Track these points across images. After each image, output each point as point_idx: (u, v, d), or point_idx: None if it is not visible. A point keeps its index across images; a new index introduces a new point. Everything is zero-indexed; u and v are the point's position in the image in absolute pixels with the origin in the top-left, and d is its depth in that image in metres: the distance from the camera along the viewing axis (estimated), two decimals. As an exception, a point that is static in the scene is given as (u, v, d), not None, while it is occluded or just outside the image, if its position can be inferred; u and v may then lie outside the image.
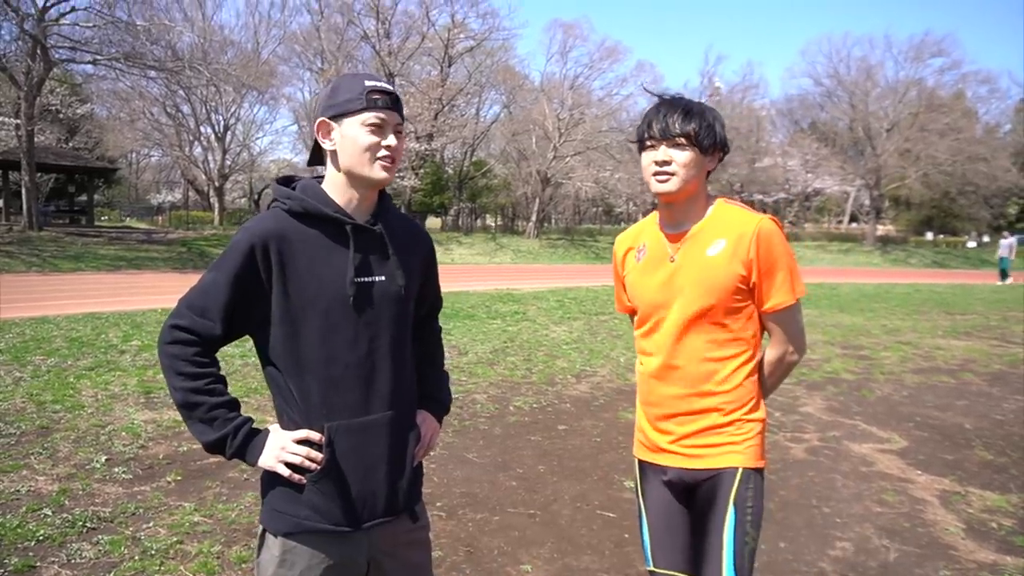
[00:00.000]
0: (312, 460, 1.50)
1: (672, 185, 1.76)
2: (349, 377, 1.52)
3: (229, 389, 1.54)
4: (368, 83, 1.52)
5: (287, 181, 1.60)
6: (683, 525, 1.88)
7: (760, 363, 1.88)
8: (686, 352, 1.81)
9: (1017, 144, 46.77)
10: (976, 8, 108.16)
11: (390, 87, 1.54)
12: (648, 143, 1.78)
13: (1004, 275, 24.19)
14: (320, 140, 1.55)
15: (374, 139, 1.51)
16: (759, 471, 1.83)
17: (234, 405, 1.52)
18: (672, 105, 1.78)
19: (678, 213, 1.84)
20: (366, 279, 1.54)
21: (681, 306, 1.80)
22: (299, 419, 1.52)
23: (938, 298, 17.64)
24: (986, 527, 3.76)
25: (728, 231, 1.78)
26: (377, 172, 1.53)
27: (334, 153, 1.54)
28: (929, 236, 51.06)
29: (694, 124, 1.74)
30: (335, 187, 1.56)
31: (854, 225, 52.07)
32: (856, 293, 18.04)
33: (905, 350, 9.42)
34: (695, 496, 1.86)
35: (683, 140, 1.74)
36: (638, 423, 1.98)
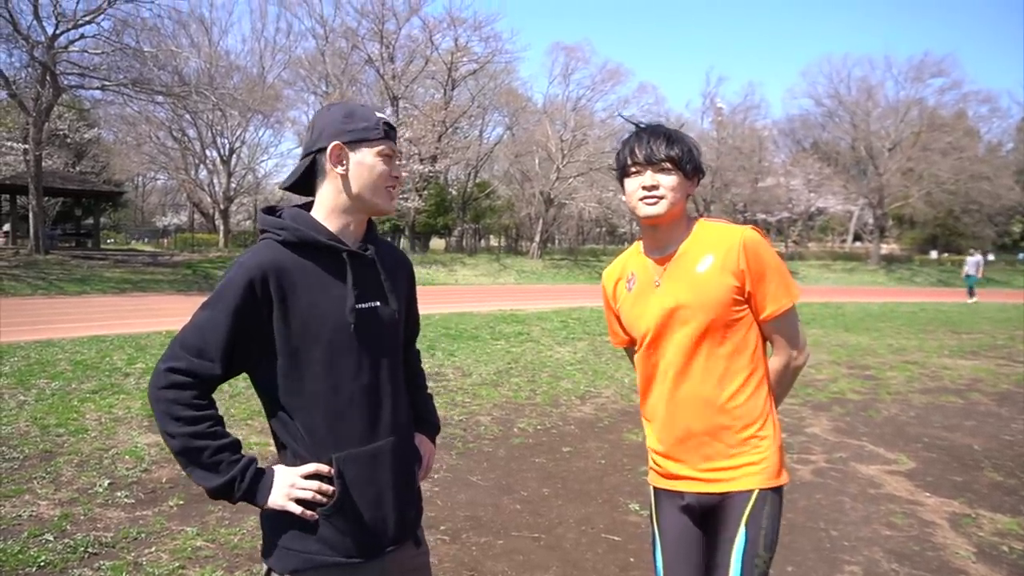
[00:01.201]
0: (323, 494, 1.46)
1: (661, 208, 1.79)
2: (354, 406, 1.50)
3: (230, 419, 1.52)
4: (379, 115, 1.56)
5: (272, 211, 1.57)
6: (698, 550, 1.86)
7: (767, 375, 1.87)
8: (690, 372, 1.81)
9: (1020, 163, 46.80)
10: (975, 28, 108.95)
11: (393, 120, 1.59)
12: (633, 169, 1.83)
13: (971, 293, 24.26)
14: (330, 164, 1.52)
15: (387, 169, 1.55)
16: (777, 489, 1.80)
17: (237, 447, 1.47)
18: (654, 133, 1.83)
19: (662, 237, 1.87)
20: (365, 305, 1.53)
21: (679, 327, 1.81)
22: (305, 453, 1.49)
23: (944, 317, 17.56)
24: (997, 551, 3.70)
25: (714, 246, 1.80)
26: (386, 201, 1.58)
27: (343, 178, 1.52)
28: (934, 255, 50.89)
29: (677, 149, 1.79)
30: (330, 213, 1.55)
31: (858, 244, 52.08)
32: (861, 312, 17.98)
33: (912, 370, 9.36)
34: (711, 518, 1.84)
35: (668, 165, 1.79)
36: (650, 450, 1.96)
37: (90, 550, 3.35)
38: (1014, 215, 47.12)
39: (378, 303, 1.56)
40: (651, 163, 1.79)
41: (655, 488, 1.94)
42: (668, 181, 1.79)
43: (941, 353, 11.05)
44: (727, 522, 1.78)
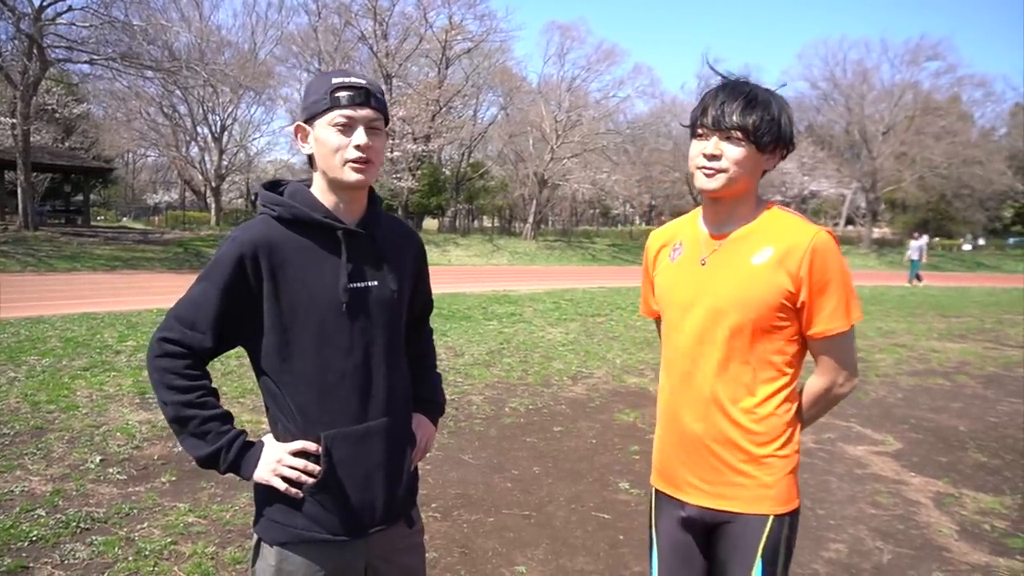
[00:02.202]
0: (309, 473, 1.46)
1: (718, 182, 1.55)
2: (345, 385, 1.49)
3: (223, 398, 1.52)
4: (335, 80, 1.44)
5: (274, 186, 1.55)
6: (699, 567, 1.70)
7: (799, 391, 1.66)
8: (714, 374, 1.59)
9: (1012, 147, 46.93)
10: (971, 12, 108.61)
11: (361, 81, 1.46)
12: (699, 131, 1.56)
13: (917, 277, 24.33)
14: (300, 145, 1.50)
15: (342, 139, 1.44)
16: (793, 514, 1.62)
17: (227, 418, 1.48)
18: (734, 92, 1.54)
19: (723, 213, 1.63)
20: (359, 284, 1.51)
21: (714, 318, 1.59)
22: (294, 428, 1.49)
23: (933, 300, 17.69)
24: (979, 529, 3.77)
25: (777, 239, 1.55)
26: (348, 175, 1.46)
27: (313, 157, 1.50)
28: (925, 239, 51.21)
29: (754, 116, 1.51)
30: (321, 191, 1.52)
31: (850, 228, 52.18)
32: (852, 295, 18.05)
33: (900, 352, 9.44)
34: (716, 538, 1.65)
35: (739, 134, 1.51)
36: (657, 448, 1.77)
37: (82, 525, 3.36)
38: (1005, 200, 47.35)
39: (375, 283, 1.54)
40: (719, 128, 1.52)
41: (656, 490, 1.77)
42: (734, 152, 1.52)
43: (930, 336, 11.15)
44: (740, 549, 1.59)
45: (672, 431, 1.69)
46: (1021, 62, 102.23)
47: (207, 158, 38.06)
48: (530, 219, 39.72)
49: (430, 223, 46.21)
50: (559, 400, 6.30)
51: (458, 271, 23.88)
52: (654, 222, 55.91)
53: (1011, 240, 51.14)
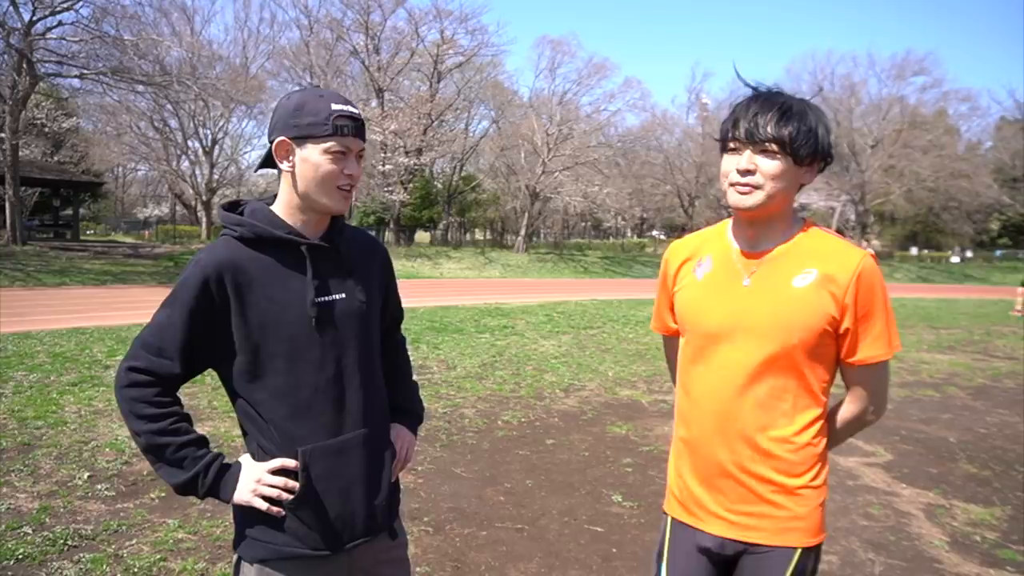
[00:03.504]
0: (289, 490, 1.45)
1: (754, 200, 1.45)
2: (319, 399, 1.48)
3: (215, 411, 1.52)
4: (335, 107, 1.44)
5: (233, 206, 1.54)
6: None
7: (829, 416, 1.60)
8: (749, 399, 1.50)
9: (998, 161, 47.54)
10: (957, 27, 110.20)
11: (356, 111, 1.47)
12: (731, 145, 1.47)
13: None
14: (277, 160, 1.47)
15: (335, 168, 1.45)
16: (819, 547, 1.55)
17: (202, 443, 1.47)
18: (768, 102, 1.45)
19: (759, 229, 1.53)
20: (327, 298, 1.50)
21: (752, 342, 1.49)
22: (271, 446, 1.48)
23: (923, 312, 17.82)
24: (970, 540, 3.78)
25: (821, 262, 1.47)
26: (337, 202, 1.48)
27: (291, 175, 1.47)
28: (914, 251, 51.65)
29: (791, 128, 1.41)
30: (287, 208, 1.51)
31: (840, 240, 52.53)
32: (842, 307, 18.17)
33: (890, 364, 9.47)
34: (740, 570, 1.57)
35: (774, 147, 1.42)
36: (677, 473, 1.66)
37: (70, 543, 3.32)
38: (992, 213, 47.89)
39: (342, 295, 1.53)
40: (752, 142, 1.43)
41: (672, 519, 1.66)
42: (770, 167, 1.43)
43: (919, 348, 11.22)
44: None
45: (696, 460, 1.59)
46: (1006, 76, 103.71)
47: (198, 172, 38.00)
48: (522, 232, 39.82)
49: (422, 236, 46.25)
50: (552, 413, 6.29)
51: (450, 284, 23.86)
52: (646, 235, 56.14)
53: (998, 252, 51.66)
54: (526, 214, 39.79)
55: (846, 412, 1.59)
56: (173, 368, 1.43)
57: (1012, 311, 18.35)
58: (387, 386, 1.71)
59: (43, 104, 31.11)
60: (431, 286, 21.66)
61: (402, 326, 1.91)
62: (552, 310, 15.19)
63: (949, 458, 5.28)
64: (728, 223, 1.63)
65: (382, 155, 32.21)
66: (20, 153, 24.35)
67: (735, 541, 1.54)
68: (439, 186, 44.43)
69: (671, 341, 1.79)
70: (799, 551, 1.51)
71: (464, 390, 6.93)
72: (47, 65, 23.15)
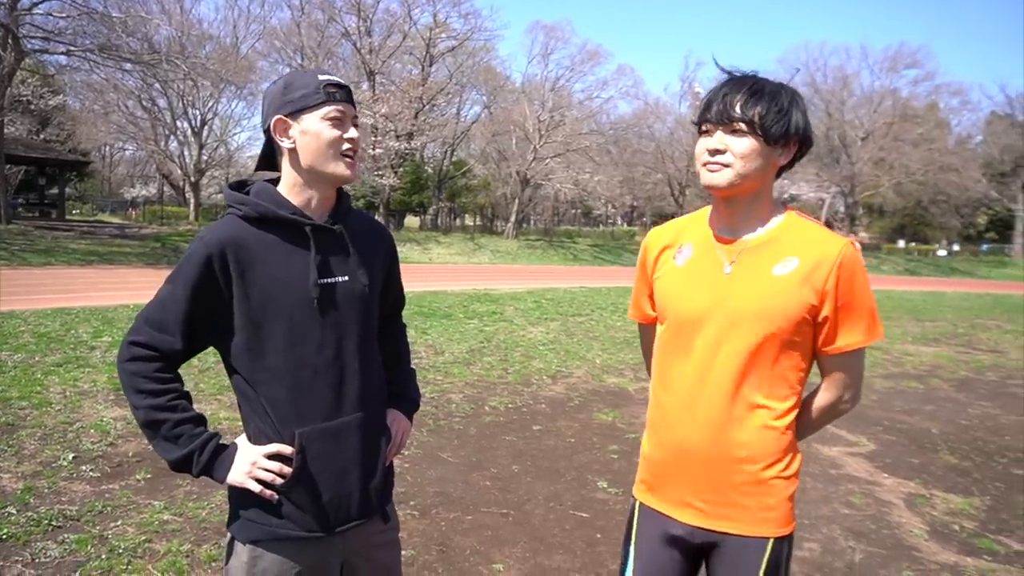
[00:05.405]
0: (283, 476, 1.46)
1: (724, 177, 1.46)
2: (318, 381, 1.49)
3: (201, 394, 1.51)
4: (323, 77, 1.47)
5: (240, 186, 1.55)
6: None
7: (804, 404, 1.59)
8: (725, 388, 1.50)
9: (987, 155, 47.91)
10: (949, 20, 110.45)
11: (342, 80, 1.50)
12: (704, 127, 1.50)
13: None
14: (277, 139, 1.49)
15: (336, 133, 1.47)
16: (790, 537, 1.55)
17: (200, 421, 1.47)
18: (739, 84, 1.47)
19: (737, 214, 1.53)
20: (329, 280, 1.50)
21: (730, 331, 1.49)
22: (268, 427, 1.48)
23: (909, 305, 17.98)
24: (949, 529, 3.84)
25: (803, 250, 1.48)
26: (342, 168, 1.49)
27: (293, 152, 1.49)
28: (901, 244, 52.03)
29: (760, 107, 1.43)
30: (292, 188, 1.52)
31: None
32: (829, 298, 18.30)
33: (875, 355, 9.58)
34: (712, 560, 1.58)
35: (743, 126, 1.44)
36: (648, 459, 1.66)
37: (54, 523, 3.31)
38: (980, 207, 48.29)
39: (345, 277, 1.53)
40: (722, 122, 1.45)
41: (640, 504, 1.66)
42: (740, 146, 1.44)
43: (904, 340, 11.32)
44: (741, 572, 1.53)
45: (670, 446, 1.58)
46: (998, 71, 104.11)
47: (186, 153, 37.57)
48: (512, 218, 39.75)
49: (412, 221, 46.08)
50: (539, 399, 6.31)
51: (439, 269, 23.82)
52: (636, 223, 56.17)
53: (985, 246, 52.13)
54: (516, 200, 39.70)
55: (821, 400, 1.59)
56: (175, 344, 1.44)
57: None
58: (387, 372, 1.72)
59: (29, 81, 30.68)
60: (420, 271, 21.62)
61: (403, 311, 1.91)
62: (541, 297, 15.21)
63: (931, 449, 5.35)
64: (707, 210, 1.63)
65: (372, 139, 31.97)
66: (5, 130, 24.00)
67: (705, 530, 1.54)
68: (429, 171, 44.21)
69: (648, 330, 1.79)
70: (771, 541, 1.51)
71: (452, 375, 6.94)
72: (33, 41, 22.76)
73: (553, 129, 37.45)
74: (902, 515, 4.02)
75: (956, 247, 52.30)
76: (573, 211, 60.07)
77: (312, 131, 1.46)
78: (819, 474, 4.64)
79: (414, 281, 17.14)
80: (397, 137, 33.09)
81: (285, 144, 1.49)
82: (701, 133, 1.51)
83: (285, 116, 1.47)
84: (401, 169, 34.87)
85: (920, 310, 16.69)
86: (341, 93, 1.48)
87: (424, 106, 36.04)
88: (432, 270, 22.96)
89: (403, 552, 3.21)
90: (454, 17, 37.92)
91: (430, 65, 38.44)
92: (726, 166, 1.46)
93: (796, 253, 1.48)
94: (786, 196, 46.91)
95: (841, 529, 3.78)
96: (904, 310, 16.41)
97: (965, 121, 52.23)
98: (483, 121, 44.92)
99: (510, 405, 6.04)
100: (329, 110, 1.46)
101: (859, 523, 3.87)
